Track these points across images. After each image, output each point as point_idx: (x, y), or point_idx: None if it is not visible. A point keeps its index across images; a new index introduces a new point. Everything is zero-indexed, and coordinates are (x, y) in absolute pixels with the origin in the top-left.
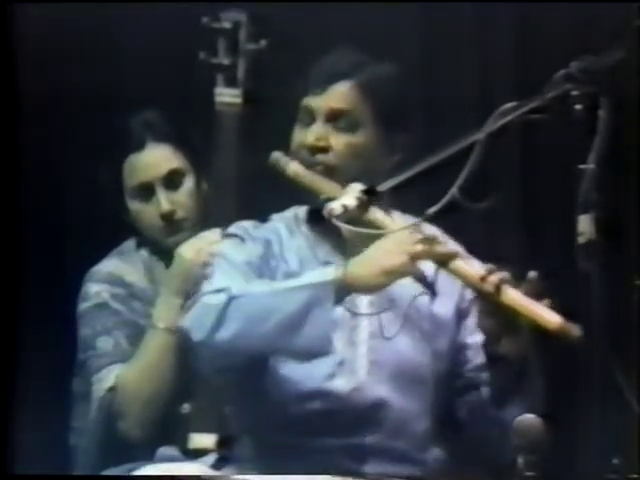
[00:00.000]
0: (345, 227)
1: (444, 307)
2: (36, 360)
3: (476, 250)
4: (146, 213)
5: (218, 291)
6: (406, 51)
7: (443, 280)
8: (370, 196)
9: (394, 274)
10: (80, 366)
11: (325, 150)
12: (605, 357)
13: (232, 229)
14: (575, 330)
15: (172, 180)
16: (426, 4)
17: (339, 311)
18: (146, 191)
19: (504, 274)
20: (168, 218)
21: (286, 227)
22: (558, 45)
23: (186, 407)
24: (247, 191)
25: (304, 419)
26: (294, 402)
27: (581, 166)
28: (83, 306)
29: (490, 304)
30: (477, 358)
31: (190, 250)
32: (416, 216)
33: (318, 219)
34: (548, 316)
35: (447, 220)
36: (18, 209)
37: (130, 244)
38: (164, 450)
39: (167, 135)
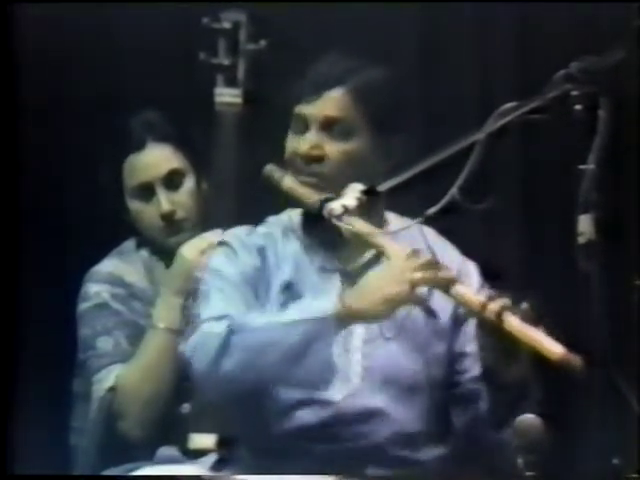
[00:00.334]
0: (345, 228)
1: (440, 313)
2: (36, 360)
3: (476, 250)
4: (146, 213)
5: (218, 318)
6: (406, 51)
7: None
8: (370, 196)
9: (395, 303)
10: (80, 366)
11: (320, 159)
12: (605, 357)
13: (225, 237)
14: (577, 361)
15: (172, 180)
16: (426, 4)
17: None
18: (146, 191)
19: (505, 301)
20: (168, 218)
21: (281, 231)
22: (558, 45)
23: (186, 407)
24: (247, 191)
25: (298, 426)
26: (288, 409)
27: (581, 166)
28: (83, 306)
29: (491, 331)
30: (475, 367)
31: (191, 250)
32: (416, 216)
33: (313, 222)
34: (550, 346)
35: (447, 220)
36: (18, 209)
37: (130, 244)
38: (164, 450)
39: (167, 135)
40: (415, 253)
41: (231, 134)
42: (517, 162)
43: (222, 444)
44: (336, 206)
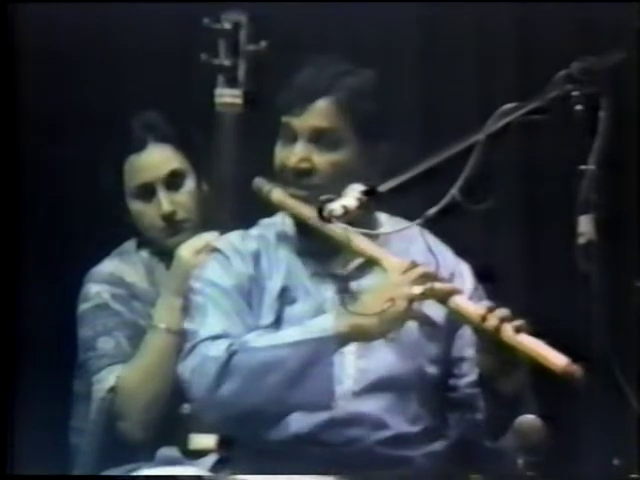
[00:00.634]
0: (345, 228)
1: (435, 313)
2: (36, 360)
3: (476, 251)
4: (147, 214)
5: (216, 338)
6: (406, 51)
7: None
8: (370, 196)
9: (395, 321)
10: (80, 367)
11: (309, 172)
12: (605, 357)
13: (218, 244)
14: (579, 372)
15: (173, 181)
16: (426, 4)
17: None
18: (147, 192)
19: (504, 312)
20: (169, 219)
21: (275, 234)
22: (558, 46)
23: (186, 408)
24: (247, 192)
25: (292, 430)
26: (282, 413)
27: (581, 167)
28: (83, 307)
29: (489, 343)
30: (473, 372)
31: (189, 250)
32: (416, 217)
33: (305, 228)
34: (553, 357)
35: (447, 221)
36: (19, 209)
37: (131, 245)
38: (164, 451)
39: (168, 136)
40: (412, 265)
41: (231, 135)
42: (517, 163)
43: (222, 445)
44: (336, 207)
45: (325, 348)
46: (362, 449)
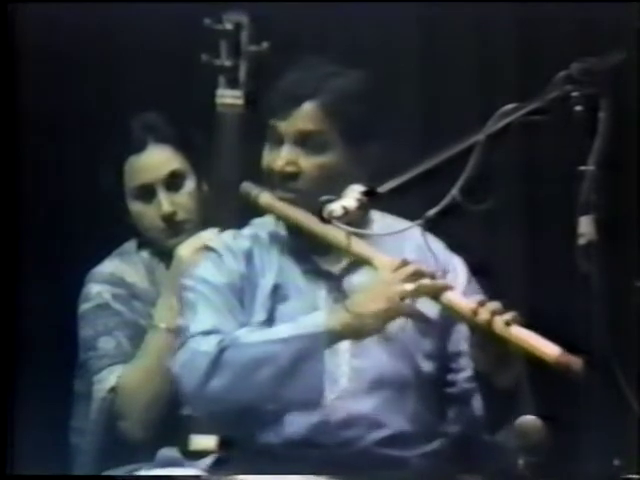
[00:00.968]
0: (344, 229)
1: (429, 309)
2: (36, 360)
3: (476, 251)
4: (147, 214)
5: (207, 333)
6: (406, 52)
7: None
8: (370, 197)
9: (387, 318)
10: (81, 366)
11: (295, 175)
12: (605, 358)
13: (211, 243)
14: (574, 362)
15: (173, 181)
16: (426, 4)
17: None
18: (147, 192)
19: (496, 305)
20: (169, 219)
21: (267, 233)
22: (558, 46)
23: (187, 408)
24: None
25: (288, 430)
26: (277, 415)
27: (581, 167)
28: (84, 307)
29: (482, 337)
30: (471, 367)
31: (189, 250)
32: (416, 218)
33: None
34: (546, 348)
35: (447, 222)
36: (19, 210)
37: (131, 245)
38: (165, 451)
39: (168, 136)
40: (403, 263)
41: (232, 135)
42: (517, 163)
43: (223, 446)
44: (336, 207)
45: (316, 345)
46: (360, 449)
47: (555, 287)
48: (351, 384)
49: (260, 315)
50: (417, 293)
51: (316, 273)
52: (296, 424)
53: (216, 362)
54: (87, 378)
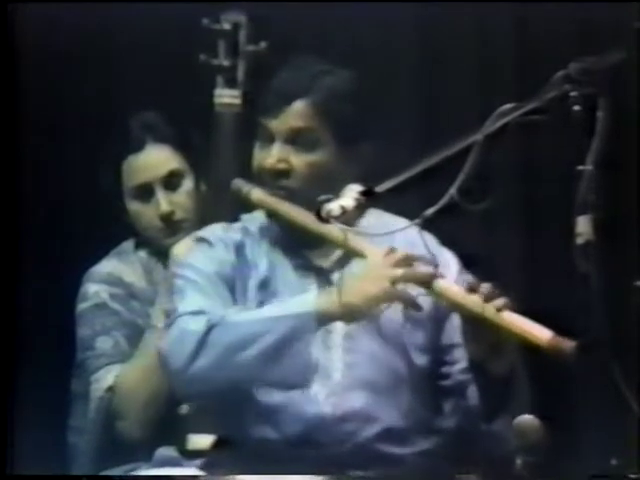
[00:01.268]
0: (343, 228)
1: (422, 301)
2: (36, 360)
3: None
4: (145, 214)
5: (195, 313)
6: (405, 51)
7: None
8: (368, 197)
9: (376, 301)
10: (79, 366)
11: (286, 173)
12: (605, 358)
13: (202, 233)
14: (567, 344)
15: (171, 181)
16: (425, 4)
17: None
18: (145, 192)
19: (488, 289)
20: (167, 219)
21: (257, 228)
22: (557, 46)
23: (184, 408)
24: None
25: (281, 427)
26: (271, 413)
27: (579, 167)
28: (82, 306)
29: (476, 323)
30: (465, 358)
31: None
32: (414, 217)
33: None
34: (537, 332)
35: (445, 221)
36: (17, 209)
37: (129, 245)
38: (162, 451)
39: (166, 136)
40: (392, 251)
41: (230, 135)
42: (515, 163)
43: (220, 445)
44: (334, 207)
45: (305, 325)
46: (354, 446)
47: (553, 287)
48: (344, 380)
49: (251, 306)
50: (407, 278)
51: (306, 268)
52: (290, 421)
53: (204, 340)
54: (85, 377)
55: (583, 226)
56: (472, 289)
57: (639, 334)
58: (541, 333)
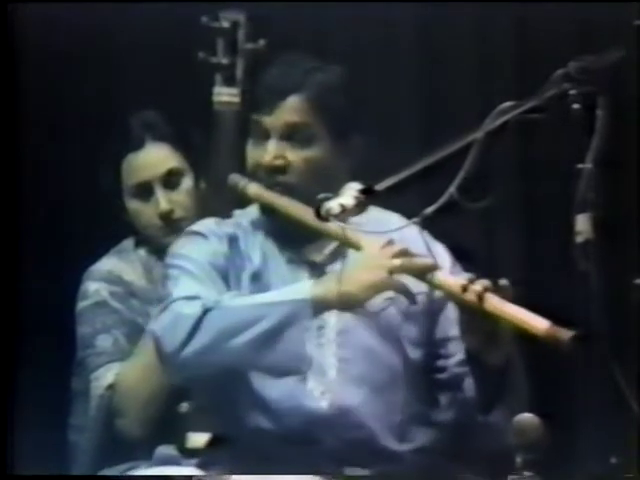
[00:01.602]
0: (343, 227)
1: (416, 292)
2: (36, 360)
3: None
4: (145, 212)
5: (190, 298)
6: (405, 51)
7: None
8: (368, 195)
9: (373, 289)
10: (79, 364)
11: (283, 169)
12: (604, 357)
13: (195, 227)
14: (564, 333)
15: (171, 179)
16: (425, 4)
17: None
18: (145, 190)
19: (485, 282)
20: (167, 217)
21: (250, 222)
22: (557, 44)
23: (184, 406)
24: None
25: (276, 425)
26: (266, 408)
27: (579, 165)
28: (82, 304)
29: (473, 315)
30: (461, 351)
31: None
32: (414, 215)
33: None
34: (535, 322)
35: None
36: (17, 208)
37: (129, 243)
38: (162, 449)
39: (166, 134)
40: (389, 243)
41: (229, 133)
42: (515, 161)
43: (219, 443)
44: (334, 205)
45: (301, 311)
46: (352, 442)
47: (553, 285)
48: (340, 376)
49: None
50: (404, 269)
51: (299, 261)
52: (287, 418)
53: (198, 324)
54: (85, 376)
55: (583, 224)
56: (470, 280)
57: (639, 332)
58: (539, 323)
